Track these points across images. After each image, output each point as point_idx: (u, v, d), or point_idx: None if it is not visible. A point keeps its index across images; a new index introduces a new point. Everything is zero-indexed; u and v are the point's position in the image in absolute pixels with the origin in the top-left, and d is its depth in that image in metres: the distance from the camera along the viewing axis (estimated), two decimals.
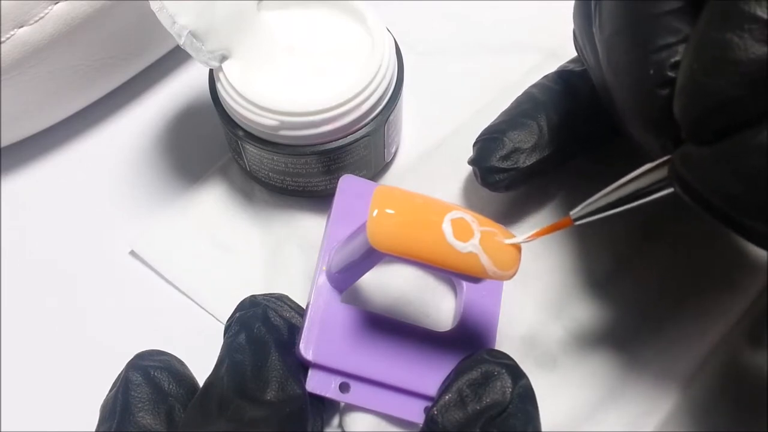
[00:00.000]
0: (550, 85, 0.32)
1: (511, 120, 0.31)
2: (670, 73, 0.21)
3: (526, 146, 0.30)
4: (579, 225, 0.24)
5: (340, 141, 0.30)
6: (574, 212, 0.24)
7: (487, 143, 0.30)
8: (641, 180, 0.22)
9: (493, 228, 0.24)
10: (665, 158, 0.22)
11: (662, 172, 0.22)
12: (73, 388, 0.30)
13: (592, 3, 0.24)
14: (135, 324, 0.31)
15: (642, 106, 0.22)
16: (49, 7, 0.30)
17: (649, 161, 0.22)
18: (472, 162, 0.31)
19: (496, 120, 0.31)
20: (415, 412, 0.26)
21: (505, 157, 0.30)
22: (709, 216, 0.21)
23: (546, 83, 0.32)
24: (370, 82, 0.29)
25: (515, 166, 0.30)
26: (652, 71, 0.21)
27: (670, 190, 0.22)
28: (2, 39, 0.29)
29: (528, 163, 0.30)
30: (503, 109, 0.32)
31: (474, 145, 0.31)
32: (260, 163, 0.31)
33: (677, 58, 0.21)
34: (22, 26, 0.30)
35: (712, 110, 0.20)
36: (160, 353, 0.26)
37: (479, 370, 0.24)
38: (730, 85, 0.19)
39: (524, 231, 0.33)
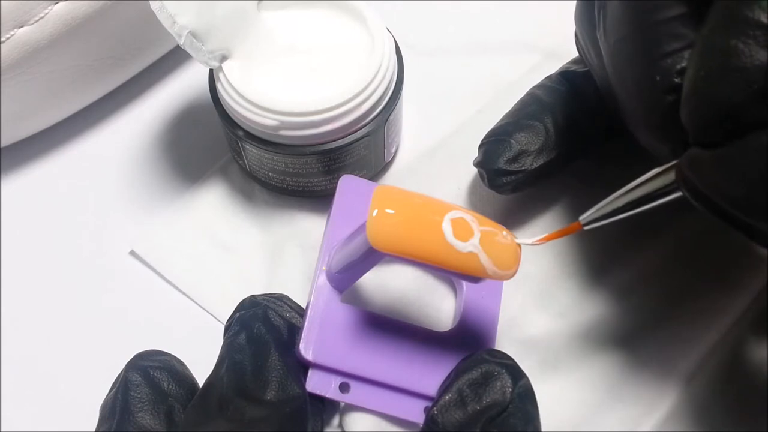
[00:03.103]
0: (554, 86, 0.32)
1: (517, 122, 0.31)
2: (677, 80, 0.21)
3: (533, 148, 0.30)
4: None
5: (340, 141, 0.30)
6: (584, 217, 0.24)
7: (494, 145, 0.30)
8: (649, 184, 0.22)
9: (493, 228, 0.24)
10: (672, 162, 0.22)
11: (670, 177, 0.22)
12: (73, 388, 0.30)
13: (596, 7, 0.24)
14: (135, 324, 0.31)
15: (649, 112, 0.22)
16: (49, 7, 0.30)
17: (656, 163, 0.22)
18: (478, 164, 0.31)
19: (501, 122, 0.31)
20: (415, 412, 0.26)
21: (513, 160, 0.30)
22: (718, 219, 0.21)
23: (550, 84, 0.32)
24: (370, 82, 0.29)
25: (522, 168, 0.30)
26: (658, 78, 0.21)
27: (679, 194, 0.22)
28: (2, 39, 0.29)
29: (535, 165, 0.30)
30: (503, 109, 0.32)
31: (480, 147, 0.31)
32: (260, 163, 0.31)
33: (683, 64, 0.21)
34: (22, 26, 0.30)
35: (718, 117, 0.20)
36: (159, 353, 0.26)
37: (479, 370, 0.24)
38: (736, 92, 0.19)
39: (526, 232, 0.33)
